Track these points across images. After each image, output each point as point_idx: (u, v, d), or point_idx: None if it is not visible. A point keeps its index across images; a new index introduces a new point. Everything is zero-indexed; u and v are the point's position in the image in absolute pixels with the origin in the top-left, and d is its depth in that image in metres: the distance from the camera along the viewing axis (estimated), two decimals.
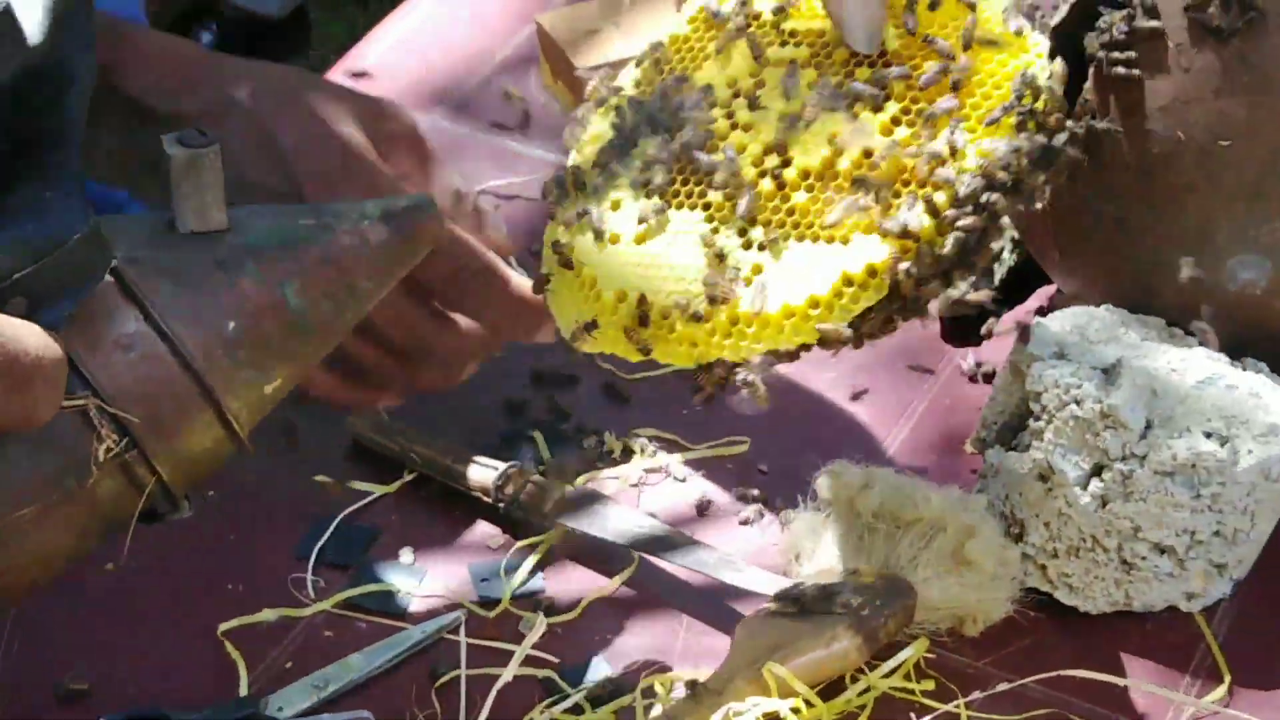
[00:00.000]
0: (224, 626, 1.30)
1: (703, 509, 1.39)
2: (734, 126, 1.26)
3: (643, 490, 1.40)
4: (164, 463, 1.09)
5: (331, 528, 1.37)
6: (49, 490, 1.07)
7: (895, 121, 1.24)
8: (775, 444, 1.43)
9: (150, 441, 1.09)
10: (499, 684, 1.17)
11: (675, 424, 1.44)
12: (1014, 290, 1.53)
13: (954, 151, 1.21)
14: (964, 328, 1.51)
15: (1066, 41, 1.32)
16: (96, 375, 1.07)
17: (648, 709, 1.24)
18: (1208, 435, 1.25)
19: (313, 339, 1.16)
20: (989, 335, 1.48)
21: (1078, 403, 1.27)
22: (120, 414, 1.07)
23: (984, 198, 1.20)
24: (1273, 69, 1.29)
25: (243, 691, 1.27)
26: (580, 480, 1.40)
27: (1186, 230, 1.33)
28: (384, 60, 1.77)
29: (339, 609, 1.32)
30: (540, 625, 1.25)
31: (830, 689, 1.24)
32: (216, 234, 1.13)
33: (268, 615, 1.32)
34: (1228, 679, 1.27)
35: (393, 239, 1.19)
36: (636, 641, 1.30)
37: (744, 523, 1.38)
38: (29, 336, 1.02)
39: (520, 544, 1.36)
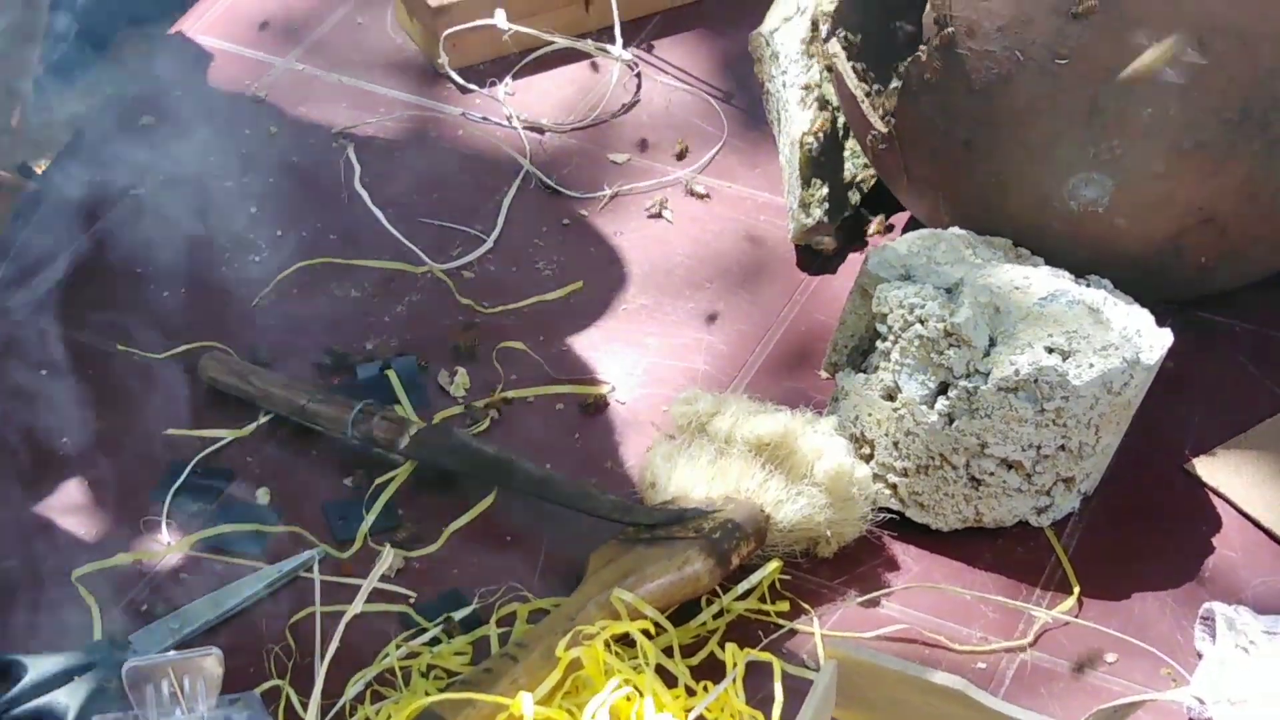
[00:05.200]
0: (78, 572, 1.29)
1: (563, 441, 1.39)
2: None
3: (502, 424, 1.40)
4: None
5: (186, 471, 1.36)
6: None
7: None
8: (634, 375, 1.43)
9: None
10: (347, 616, 1.16)
11: (536, 362, 1.44)
12: (867, 216, 1.54)
13: None
14: (818, 255, 1.52)
15: None
16: None
17: (504, 638, 1.24)
18: (1050, 350, 1.26)
19: None
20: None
21: (922, 322, 1.28)
22: None
23: None
24: None
25: (97, 635, 1.26)
26: (437, 417, 1.39)
27: (1029, 150, 1.34)
28: (237, 3, 1.75)
29: (195, 551, 1.31)
30: (389, 556, 1.25)
31: (686, 612, 1.25)
32: None
33: (123, 559, 1.31)
34: (1077, 590, 1.29)
35: None
36: (494, 573, 1.30)
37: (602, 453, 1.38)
38: None
39: (377, 480, 1.35)
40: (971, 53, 1.33)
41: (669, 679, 1.20)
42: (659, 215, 1.55)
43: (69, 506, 1.35)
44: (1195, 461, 1.36)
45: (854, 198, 1.53)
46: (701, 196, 1.57)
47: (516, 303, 1.49)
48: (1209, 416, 1.39)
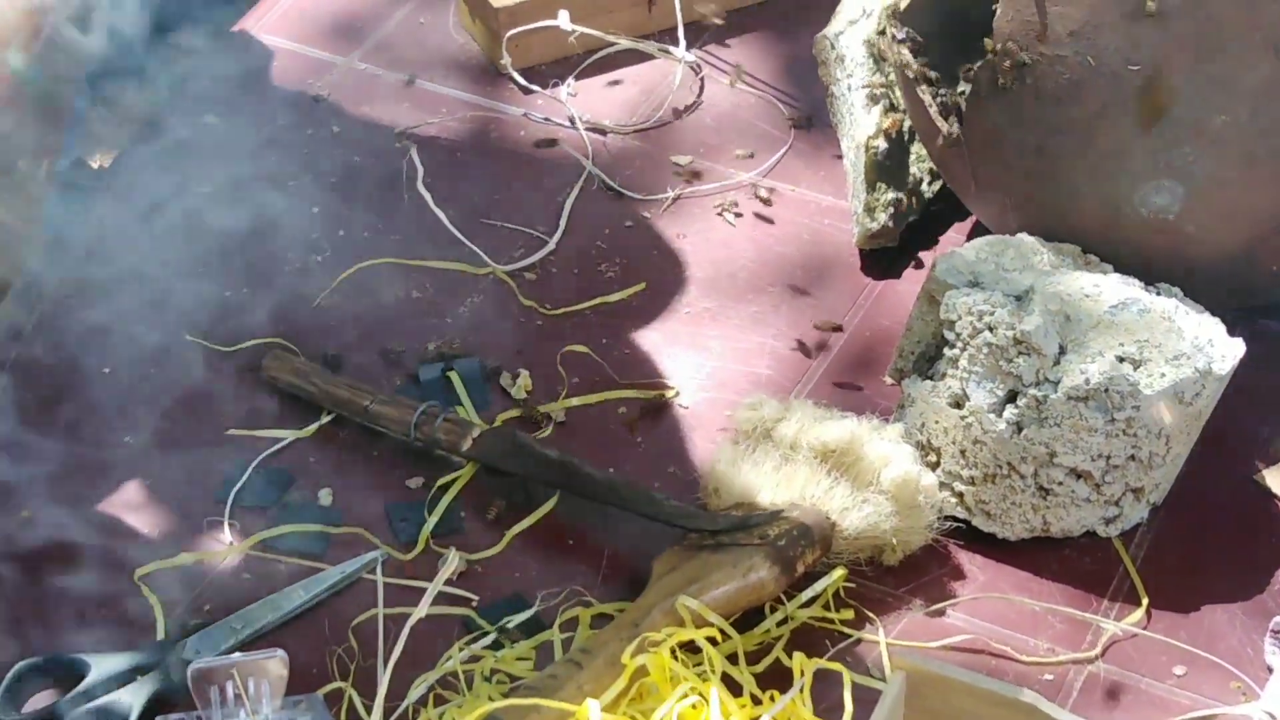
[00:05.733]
0: (141, 571, 1.29)
1: (626, 445, 1.39)
2: None
3: (565, 427, 1.40)
4: None
5: (248, 471, 1.36)
6: None
7: None
8: (697, 379, 1.43)
9: None
10: (411, 621, 1.16)
11: (598, 365, 1.44)
12: (933, 222, 1.53)
13: None
14: (883, 260, 1.51)
15: None
16: None
17: (566, 643, 1.24)
18: (1120, 359, 1.25)
19: None
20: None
21: (991, 329, 1.27)
22: None
23: None
24: None
25: (160, 635, 1.26)
26: (500, 419, 1.39)
27: (1100, 157, 1.33)
28: (299, 1, 1.75)
29: (257, 551, 1.31)
30: (454, 561, 1.24)
31: (750, 619, 1.24)
32: None
33: (185, 559, 1.31)
34: (1145, 602, 1.27)
35: None
36: (556, 577, 1.29)
37: (666, 458, 1.38)
38: None
39: (440, 482, 1.35)
40: (1042, 58, 1.32)
41: (734, 687, 1.19)
42: (734, 213, 1.54)
43: (131, 504, 1.35)
44: (1265, 472, 1.35)
45: (919, 202, 1.52)
46: (765, 200, 1.56)
47: (578, 305, 1.48)
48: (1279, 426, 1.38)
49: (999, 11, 1.34)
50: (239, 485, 1.35)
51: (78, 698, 1.20)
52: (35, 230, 1.15)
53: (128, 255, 1.48)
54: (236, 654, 1.17)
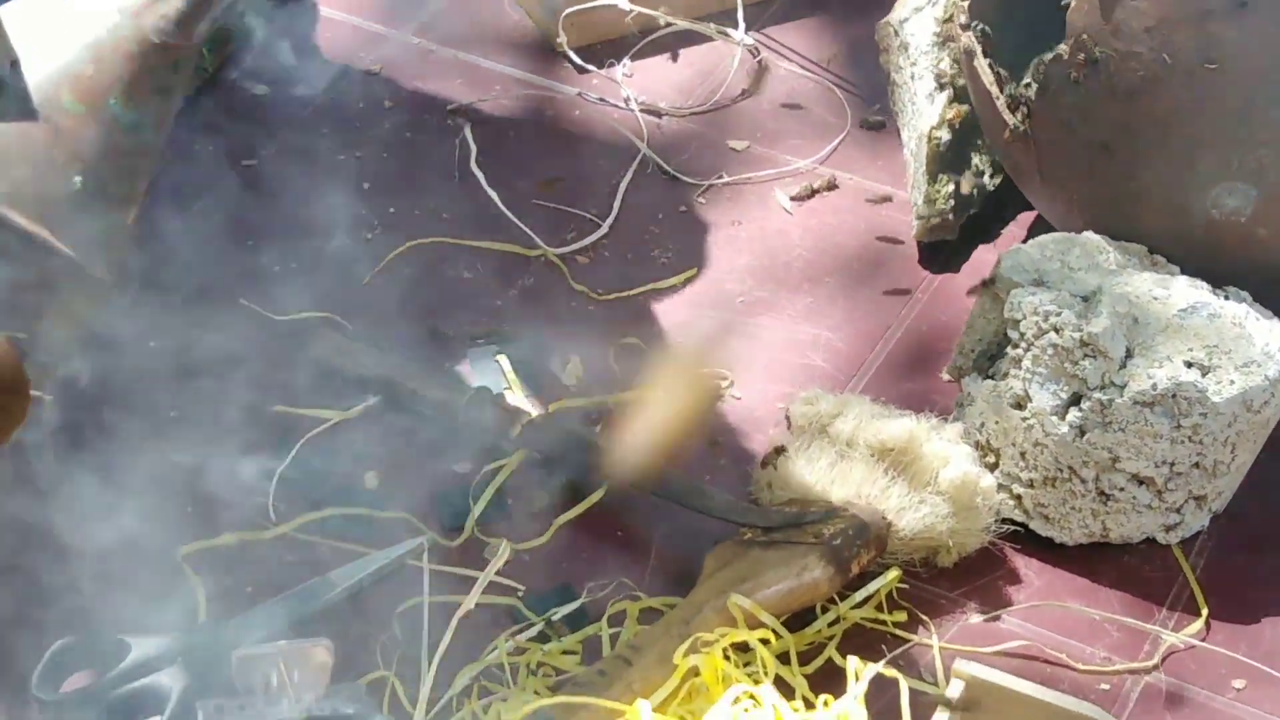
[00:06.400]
0: (184, 550, 1.28)
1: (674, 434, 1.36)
2: None
3: (617, 417, 1.37)
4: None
5: (294, 451, 1.34)
6: None
7: None
8: (751, 370, 1.40)
9: None
10: (459, 613, 1.14)
11: (651, 350, 1.41)
12: (994, 215, 1.51)
13: None
14: (943, 253, 1.49)
15: None
16: None
17: (614, 638, 1.22)
18: (1189, 365, 1.22)
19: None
20: None
21: (1057, 330, 1.24)
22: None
23: None
24: None
25: (201, 617, 1.24)
26: (551, 406, 1.37)
27: (1171, 156, 1.30)
28: None
29: (301, 534, 1.29)
30: (504, 553, 1.22)
31: (800, 618, 1.22)
32: None
33: (228, 539, 1.29)
34: (1205, 612, 1.25)
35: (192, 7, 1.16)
36: (605, 569, 1.27)
37: (716, 447, 1.35)
38: None
39: (487, 468, 1.33)
40: (1116, 54, 1.29)
41: (785, 688, 1.17)
42: (795, 199, 1.51)
43: (174, 481, 1.32)
44: None
45: (980, 195, 1.49)
46: (823, 188, 1.54)
47: (631, 290, 1.46)
48: None
49: (1073, 4, 1.31)
50: (283, 465, 1.33)
51: (117, 679, 1.18)
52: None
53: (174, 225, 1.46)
54: (281, 641, 1.15)
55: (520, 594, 1.25)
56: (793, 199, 1.53)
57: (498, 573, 1.26)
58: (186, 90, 1.16)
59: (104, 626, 1.21)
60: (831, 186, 1.53)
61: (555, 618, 1.23)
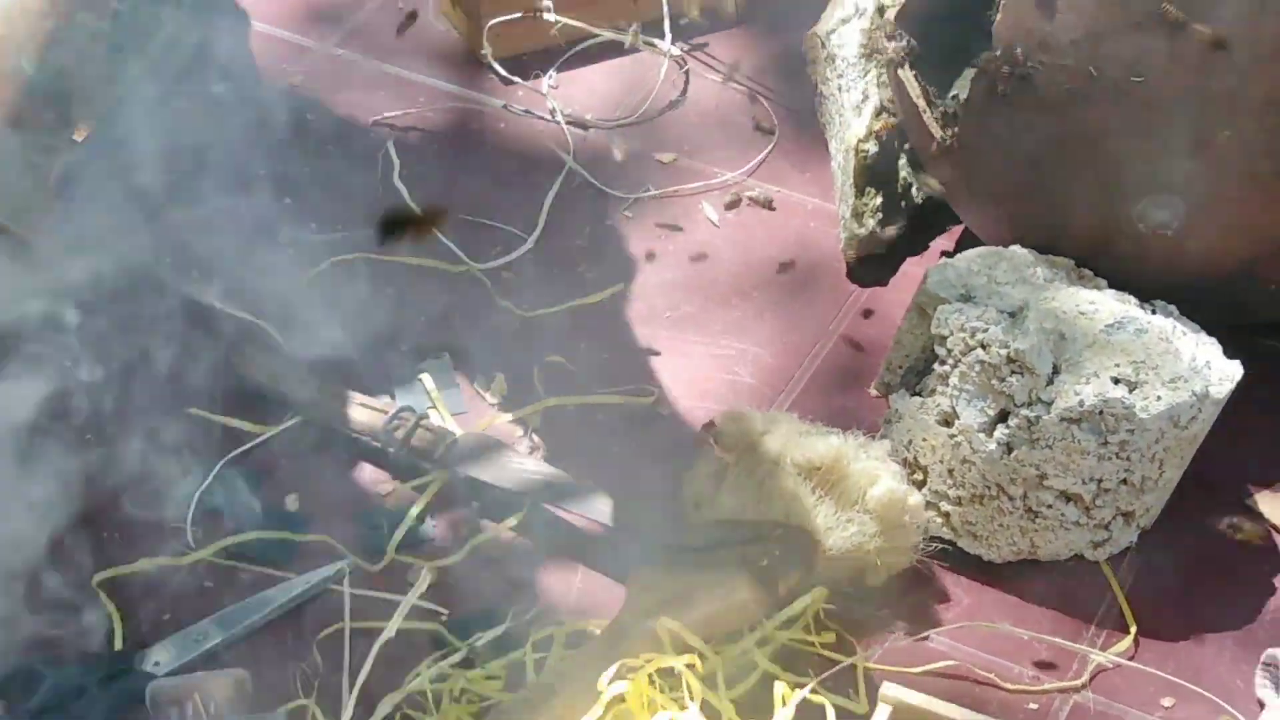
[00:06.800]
0: (99, 577, 1.25)
1: (604, 453, 1.35)
2: None
3: (541, 434, 1.36)
4: None
5: (213, 473, 1.31)
6: None
7: None
8: (677, 386, 1.39)
9: None
10: (380, 640, 1.12)
11: (576, 369, 1.39)
12: (922, 228, 1.50)
13: None
14: (871, 267, 1.47)
15: None
16: None
17: (539, 663, 1.20)
18: (1116, 381, 1.22)
19: None
20: None
21: (983, 347, 1.23)
22: None
23: None
24: (1204, 3, 1.24)
25: (118, 645, 1.21)
26: (481, 425, 1.35)
27: (1099, 169, 1.29)
28: None
29: (219, 558, 1.27)
30: (425, 579, 1.20)
31: (729, 638, 1.21)
32: None
33: (144, 565, 1.26)
34: (1134, 630, 1.24)
35: None
36: (529, 592, 1.25)
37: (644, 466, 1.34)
38: None
39: (408, 485, 1.31)
40: (1043, 67, 1.28)
41: (712, 712, 1.15)
42: (736, 205, 1.50)
43: (89, 504, 1.30)
44: (1258, 496, 1.32)
45: (909, 208, 1.48)
46: (750, 201, 1.52)
47: (556, 305, 1.44)
48: (1274, 449, 1.34)
49: (999, 17, 1.30)
50: (202, 487, 1.30)
51: (33, 710, 1.15)
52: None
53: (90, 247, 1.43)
54: (198, 672, 1.13)
55: (444, 618, 1.23)
56: (726, 207, 1.51)
57: (421, 596, 1.24)
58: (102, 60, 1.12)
59: (16, 655, 1.18)
60: (768, 205, 1.51)
61: (479, 643, 1.21)
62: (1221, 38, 1.24)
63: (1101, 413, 1.20)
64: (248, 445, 1.33)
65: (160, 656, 1.20)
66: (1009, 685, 1.21)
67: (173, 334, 1.39)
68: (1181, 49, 1.24)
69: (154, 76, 1.56)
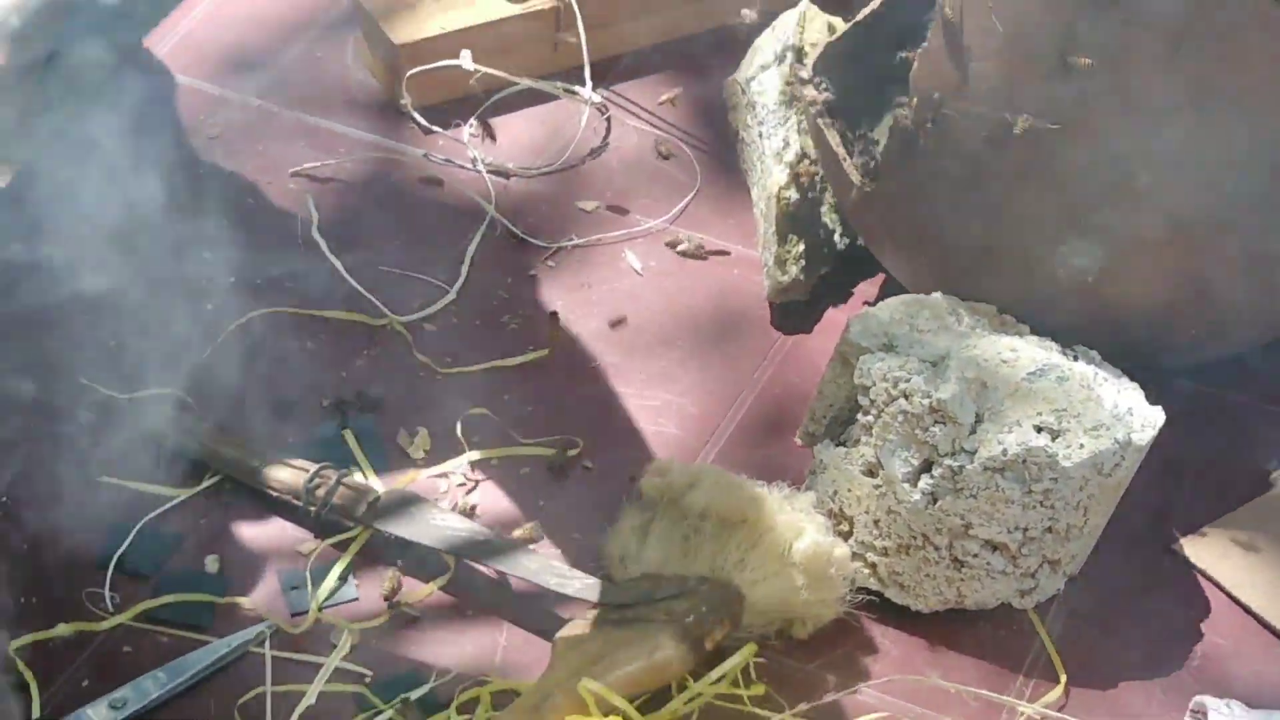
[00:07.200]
0: (15, 644, 1.23)
1: (528, 508, 1.33)
2: None
3: (464, 489, 1.34)
4: None
5: (131, 535, 1.29)
6: None
7: None
8: (602, 438, 1.38)
9: None
10: (303, 703, 1.11)
11: (500, 421, 1.38)
12: (845, 275, 1.49)
13: None
14: (794, 315, 1.47)
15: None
16: None
17: None
18: (1038, 429, 1.22)
19: None
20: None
21: (906, 397, 1.23)
22: None
23: None
24: (1117, 50, 1.24)
25: (35, 713, 1.19)
26: (403, 481, 1.33)
27: (1018, 216, 1.29)
28: (194, 31, 1.69)
29: (138, 622, 1.25)
30: (346, 642, 1.19)
31: (657, 697, 1.20)
32: None
33: (62, 630, 1.24)
34: (1063, 679, 1.24)
35: None
36: (454, 651, 1.24)
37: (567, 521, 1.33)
38: None
39: (329, 543, 1.29)
40: (960, 114, 1.28)
41: None
42: (676, 244, 1.49)
43: (5, 567, 1.28)
44: (1183, 541, 1.32)
45: (831, 255, 1.48)
46: (672, 248, 1.52)
47: (475, 364, 1.42)
48: (1198, 494, 1.35)
49: (916, 65, 1.30)
50: (120, 550, 1.28)
51: None
52: None
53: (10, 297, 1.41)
54: None
55: (368, 680, 1.22)
56: (669, 246, 1.50)
57: (344, 658, 1.22)
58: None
59: None
60: (699, 254, 1.51)
61: (404, 703, 1.20)
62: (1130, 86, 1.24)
63: (1025, 461, 1.20)
64: (167, 505, 1.32)
65: None
66: None
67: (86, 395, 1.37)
68: (1095, 95, 1.25)
69: (77, 127, 1.55)
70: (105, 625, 1.24)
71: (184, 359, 1.40)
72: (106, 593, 1.26)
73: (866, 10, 1.42)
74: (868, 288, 1.49)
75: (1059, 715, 1.22)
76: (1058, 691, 1.23)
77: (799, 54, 1.47)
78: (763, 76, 1.51)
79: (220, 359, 1.41)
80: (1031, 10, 1.25)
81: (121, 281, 1.44)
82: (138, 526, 1.30)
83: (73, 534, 1.29)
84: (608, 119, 1.62)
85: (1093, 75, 1.24)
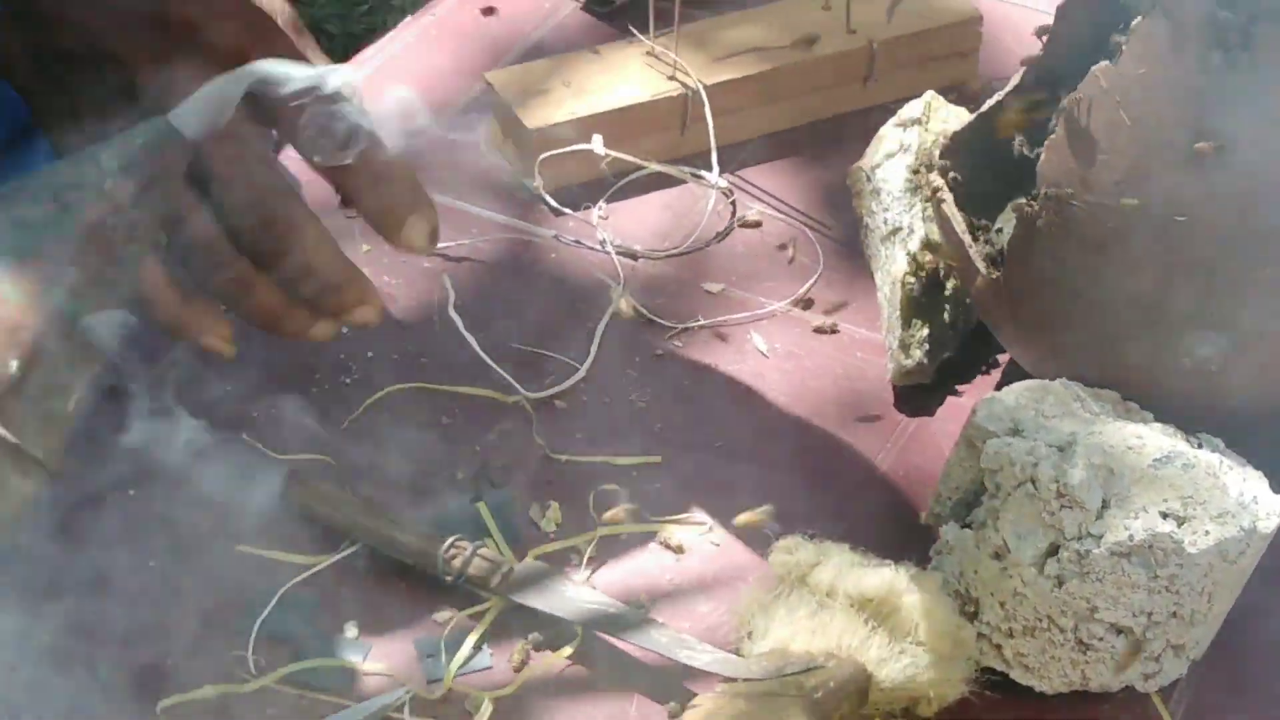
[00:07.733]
0: (164, 704, 1.27)
1: (657, 583, 1.37)
2: None
3: (595, 563, 1.38)
4: None
5: (273, 601, 1.33)
6: None
7: None
8: (729, 515, 1.41)
9: None
10: None
11: (628, 494, 1.42)
12: (968, 359, 1.52)
13: None
14: (918, 398, 1.50)
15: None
16: None
17: None
18: (1164, 515, 1.24)
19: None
20: None
21: (1033, 481, 1.25)
22: None
23: None
24: (1233, 142, 1.27)
25: None
26: (534, 554, 1.37)
27: (1143, 306, 1.32)
28: None
29: (281, 685, 1.29)
30: (488, 707, 1.22)
31: None
32: None
33: (208, 692, 1.28)
34: None
35: (139, 187, 1.15)
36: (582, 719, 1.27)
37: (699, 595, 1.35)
38: None
39: (465, 613, 1.33)
40: (1086, 204, 1.31)
41: None
42: (825, 331, 1.53)
43: (151, 633, 1.32)
44: None
45: (955, 339, 1.51)
46: (817, 328, 1.55)
47: (593, 455, 1.45)
48: None
49: (1044, 156, 1.33)
50: (263, 615, 1.33)
51: None
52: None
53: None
54: None
55: None
56: (815, 330, 1.54)
57: None
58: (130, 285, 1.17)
59: None
60: (824, 330, 1.54)
61: None
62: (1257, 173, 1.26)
63: (1151, 547, 1.22)
64: (308, 572, 1.36)
65: None
66: None
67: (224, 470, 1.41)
68: (1221, 188, 1.27)
69: None
70: (249, 688, 1.28)
71: (323, 431, 1.45)
72: (249, 656, 1.30)
73: (991, 101, 1.46)
74: (990, 373, 1.52)
75: None
76: None
77: (925, 143, 1.51)
78: (887, 165, 1.55)
79: (358, 432, 1.46)
80: (1160, 102, 1.28)
81: (258, 354, 1.49)
82: (280, 591, 1.34)
83: (218, 599, 1.33)
84: (733, 203, 1.66)
85: (1221, 166, 1.27)
